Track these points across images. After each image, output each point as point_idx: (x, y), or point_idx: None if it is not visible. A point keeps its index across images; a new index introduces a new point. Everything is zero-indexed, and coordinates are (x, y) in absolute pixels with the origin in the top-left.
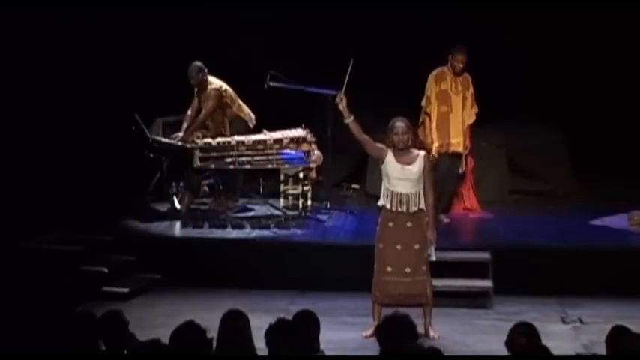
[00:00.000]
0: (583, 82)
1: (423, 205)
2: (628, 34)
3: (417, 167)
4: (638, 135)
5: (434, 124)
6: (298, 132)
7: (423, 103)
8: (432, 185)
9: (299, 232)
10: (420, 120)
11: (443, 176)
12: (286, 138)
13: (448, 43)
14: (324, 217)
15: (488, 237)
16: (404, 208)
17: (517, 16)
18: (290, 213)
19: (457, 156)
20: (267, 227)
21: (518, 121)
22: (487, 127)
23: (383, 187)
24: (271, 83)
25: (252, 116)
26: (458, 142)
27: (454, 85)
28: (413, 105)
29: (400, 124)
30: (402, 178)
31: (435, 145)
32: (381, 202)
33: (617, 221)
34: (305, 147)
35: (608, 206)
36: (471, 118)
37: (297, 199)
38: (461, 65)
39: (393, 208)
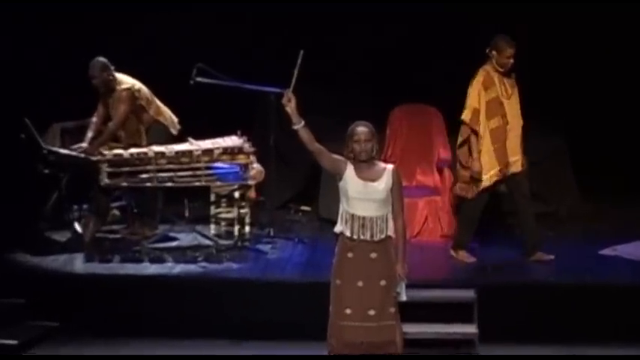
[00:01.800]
0: (591, 80)
1: (391, 232)
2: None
3: (383, 184)
4: None
5: (484, 146)
6: (233, 140)
7: (466, 117)
8: (403, 207)
9: (235, 266)
10: (461, 139)
11: (481, 205)
12: (218, 148)
13: (425, 39)
14: (266, 248)
15: (473, 271)
16: (367, 236)
17: (511, 12)
18: (223, 242)
19: (518, 175)
20: (195, 260)
21: None
22: None
23: (341, 209)
24: (198, 79)
25: (175, 120)
26: (516, 161)
27: (504, 89)
28: (380, 107)
29: (362, 129)
30: (364, 197)
31: (491, 173)
32: (338, 228)
33: (633, 250)
34: (242, 159)
35: (621, 231)
36: (521, 122)
37: (232, 225)
38: (512, 61)
39: (354, 236)
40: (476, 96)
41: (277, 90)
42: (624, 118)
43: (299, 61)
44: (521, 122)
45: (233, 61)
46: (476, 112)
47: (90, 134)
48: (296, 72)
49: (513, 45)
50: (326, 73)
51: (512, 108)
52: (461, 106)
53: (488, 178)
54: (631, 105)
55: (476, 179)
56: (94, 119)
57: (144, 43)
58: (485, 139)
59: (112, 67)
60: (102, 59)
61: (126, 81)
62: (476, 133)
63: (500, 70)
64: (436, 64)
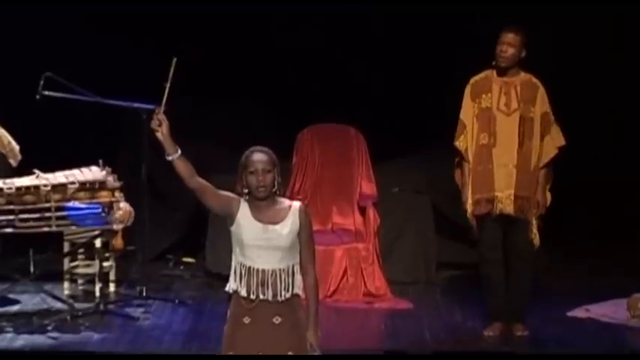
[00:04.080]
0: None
1: (299, 289)
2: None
3: (287, 227)
4: (635, 174)
5: (471, 165)
6: (93, 172)
7: (456, 133)
8: (314, 256)
9: (96, 336)
10: (456, 160)
11: (488, 258)
12: (73, 183)
13: (344, 43)
14: (136, 312)
15: (406, 339)
16: (268, 295)
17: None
18: (80, 306)
19: (512, 220)
20: (43, 330)
21: (450, 155)
22: (402, 163)
23: (234, 261)
24: (46, 92)
25: (17, 148)
26: (508, 197)
27: (504, 100)
28: (285, 129)
29: (259, 157)
30: (264, 245)
31: (469, 202)
32: (230, 286)
33: (610, 311)
34: (104, 197)
35: (595, 288)
36: (546, 155)
37: (93, 283)
38: (504, 51)
39: (252, 295)
40: (464, 105)
41: (149, 106)
42: (579, 161)
43: (172, 71)
44: (549, 150)
45: (93, 70)
46: (462, 126)
47: None
48: (168, 85)
49: (510, 29)
50: (213, 85)
51: (509, 127)
52: (389, 126)
53: (468, 208)
54: (581, 150)
55: (464, 211)
56: None
57: None
58: (470, 159)
59: None
60: None
61: None
62: (461, 152)
63: (500, 67)
64: (356, 71)
